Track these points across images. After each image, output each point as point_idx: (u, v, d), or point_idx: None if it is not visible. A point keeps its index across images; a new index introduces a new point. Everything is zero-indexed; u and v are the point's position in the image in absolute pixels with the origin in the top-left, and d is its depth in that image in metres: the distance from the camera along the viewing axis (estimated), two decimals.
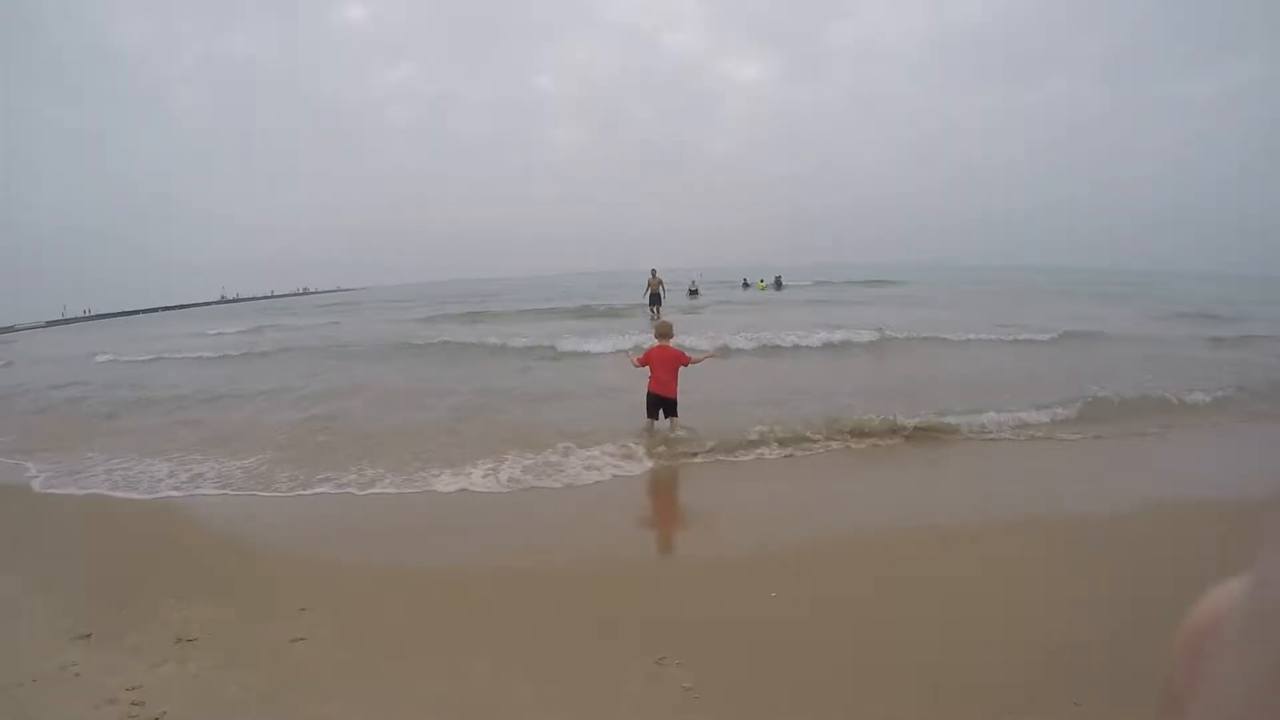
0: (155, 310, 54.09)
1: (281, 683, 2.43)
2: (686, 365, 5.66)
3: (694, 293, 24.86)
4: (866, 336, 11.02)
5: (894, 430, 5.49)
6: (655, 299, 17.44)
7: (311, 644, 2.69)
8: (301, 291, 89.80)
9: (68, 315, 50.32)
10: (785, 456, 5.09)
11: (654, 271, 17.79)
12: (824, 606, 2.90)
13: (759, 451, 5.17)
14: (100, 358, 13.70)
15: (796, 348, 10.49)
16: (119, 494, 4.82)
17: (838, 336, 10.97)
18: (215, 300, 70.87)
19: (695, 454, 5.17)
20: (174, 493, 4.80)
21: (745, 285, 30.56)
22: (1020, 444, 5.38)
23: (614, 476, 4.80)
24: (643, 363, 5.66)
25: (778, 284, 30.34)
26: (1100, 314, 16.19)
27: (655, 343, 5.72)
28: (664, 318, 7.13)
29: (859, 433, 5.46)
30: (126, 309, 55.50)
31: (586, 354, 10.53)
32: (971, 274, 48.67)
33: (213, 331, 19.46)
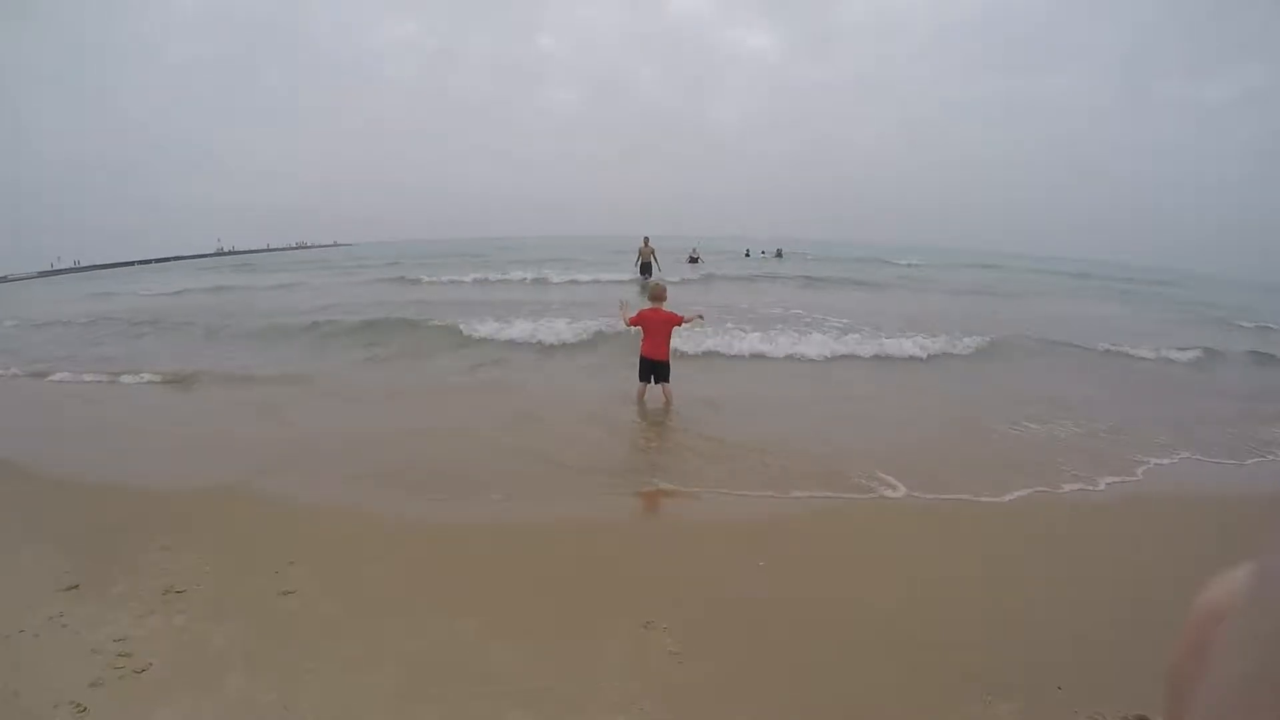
0: (146, 262, 53.54)
1: (268, 636, 2.43)
2: (680, 325, 5.60)
3: (695, 260, 24.49)
4: (974, 342, 8.77)
5: None
6: (646, 268, 16.80)
7: (300, 598, 2.70)
8: (296, 246, 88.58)
9: (57, 267, 50.25)
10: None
11: (646, 240, 17.25)
12: (813, 578, 2.91)
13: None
14: (8, 321, 13.25)
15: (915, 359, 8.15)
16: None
17: (936, 345, 8.56)
18: (210, 253, 69.89)
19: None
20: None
21: (748, 255, 31.14)
22: None
23: (609, 442, 4.79)
24: (635, 323, 5.59)
25: (779, 255, 31.50)
26: (1170, 318, 14.82)
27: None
28: (660, 281, 6.98)
29: None
30: (116, 260, 55.01)
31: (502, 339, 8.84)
32: (970, 259, 45.42)
33: (145, 292, 19.14)
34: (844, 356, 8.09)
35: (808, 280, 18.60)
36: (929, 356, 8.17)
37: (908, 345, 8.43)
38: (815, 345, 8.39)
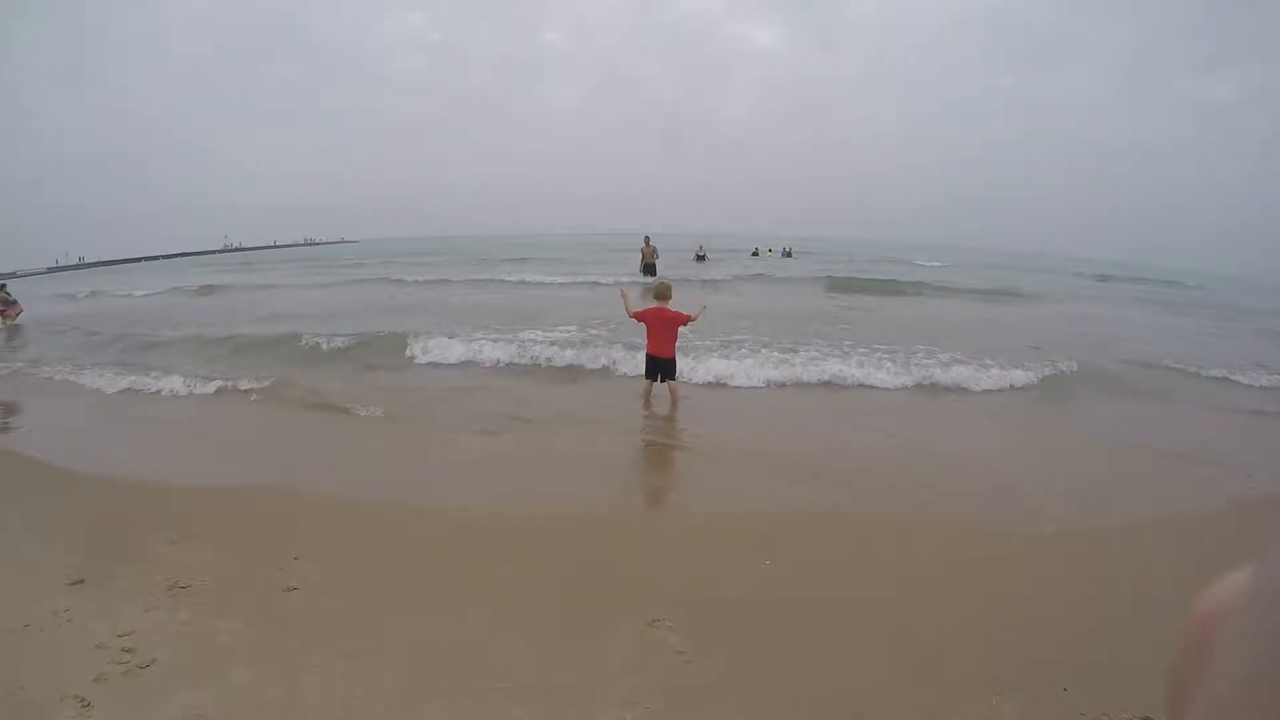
0: (152, 259, 53.95)
1: (273, 632, 2.43)
2: (686, 324, 5.56)
3: (701, 258, 24.35)
4: (1051, 370, 6.99)
5: None
6: (650, 270, 16.39)
7: (304, 593, 2.70)
8: (304, 242, 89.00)
9: (62, 264, 50.82)
10: None
11: (647, 239, 16.97)
12: (820, 577, 2.89)
13: None
14: None
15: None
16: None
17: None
18: (216, 249, 70.28)
19: None
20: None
21: (755, 254, 30.48)
22: None
23: (614, 440, 4.77)
24: (638, 318, 5.54)
25: (787, 254, 30.65)
26: (1216, 328, 12.94)
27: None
28: (665, 279, 6.88)
29: None
30: (121, 257, 55.45)
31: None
32: (984, 259, 43.10)
33: (121, 293, 18.18)
34: (922, 386, 6.55)
35: (831, 283, 17.07)
36: (990, 389, 6.58)
37: (968, 371, 6.84)
38: (877, 372, 6.79)
